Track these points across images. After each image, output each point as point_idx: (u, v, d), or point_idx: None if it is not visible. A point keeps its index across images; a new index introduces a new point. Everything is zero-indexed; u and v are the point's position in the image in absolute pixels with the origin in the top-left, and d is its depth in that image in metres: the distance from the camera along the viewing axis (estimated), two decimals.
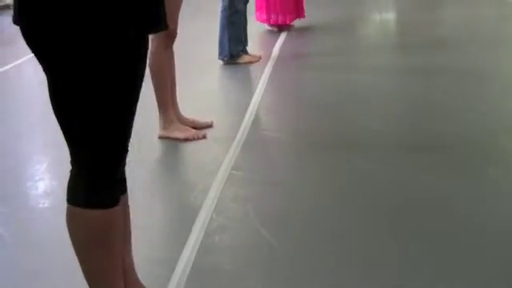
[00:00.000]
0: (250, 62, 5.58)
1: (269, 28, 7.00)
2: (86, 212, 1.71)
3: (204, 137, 3.77)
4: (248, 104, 4.40)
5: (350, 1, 9.07)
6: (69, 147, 1.71)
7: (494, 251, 2.42)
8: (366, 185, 3.09)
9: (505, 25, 7.37)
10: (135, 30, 1.63)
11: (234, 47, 5.52)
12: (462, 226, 2.63)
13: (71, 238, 1.76)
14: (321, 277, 2.30)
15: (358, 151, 3.51)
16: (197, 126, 3.86)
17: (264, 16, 6.86)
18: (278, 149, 3.72)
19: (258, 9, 6.87)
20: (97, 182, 1.70)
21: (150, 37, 1.80)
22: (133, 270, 2.01)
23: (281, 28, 6.94)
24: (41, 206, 3.03)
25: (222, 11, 5.50)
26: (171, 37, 3.64)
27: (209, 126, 3.93)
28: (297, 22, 7.00)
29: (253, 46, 5.87)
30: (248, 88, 5.03)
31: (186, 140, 3.72)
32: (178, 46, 3.81)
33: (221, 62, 5.58)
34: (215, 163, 3.37)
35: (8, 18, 2.50)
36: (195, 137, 3.74)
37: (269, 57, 5.78)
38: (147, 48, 1.76)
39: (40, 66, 1.65)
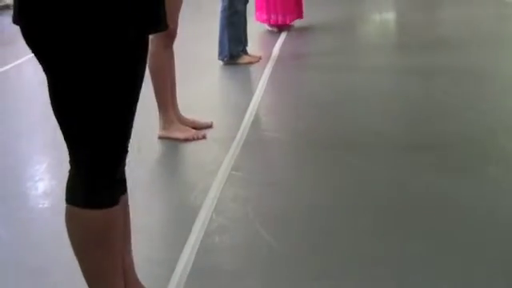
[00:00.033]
0: (250, 63, 5.58)
1: (269, 28, 6.99)
2: (85, 212, 1.71)
3: (204, 137, 3.77)
4: (248, 104, 4.39)
5: (349, 1, 9.07)
6: (68, 147, 1.71)
7: (494, 250, 2.42)
8: (366, 184, 3.09)
9: (505, 25, 7.36)
10: (135, 30, 1.63)
11: (233, 47, 5.51)
12: (462, 224, 2.63)
13: (70, 238, 1.76)
14: (321, 277, 2.30)
15: (357, 151, 3.51)
16: (197, 127, 3.86)
17: (264, 16, 6.85)
18: (277, 149, 3.72)
19: (258, 9, 6.87)
20: (96, 182, 1.70)
21: (150, 37, 1.80)
22: (133, 270, 2.01)
23: (281, 28, 6.94)
24: (40, 206, 3.03)
25: (221, 11, 5.50)
26: (171, 37, 3.64)
27: (209, 126, 3.93)
28: (297, 22, 7.00)
29: (253, 47, 5.87)
30: (248, 88, 5.03)
31: (186, 140, 3.72)
32: (177, 46, 3.81)
33: (221, 63, 5.58)
34: (215, 163, 3.37)
35: (8, 18, 2.49)
36: (195, 137, 3.74)
37: (269, 57, 5.77)
38: (147, 48, 1.76)
39: (40, 66, 1.65)
